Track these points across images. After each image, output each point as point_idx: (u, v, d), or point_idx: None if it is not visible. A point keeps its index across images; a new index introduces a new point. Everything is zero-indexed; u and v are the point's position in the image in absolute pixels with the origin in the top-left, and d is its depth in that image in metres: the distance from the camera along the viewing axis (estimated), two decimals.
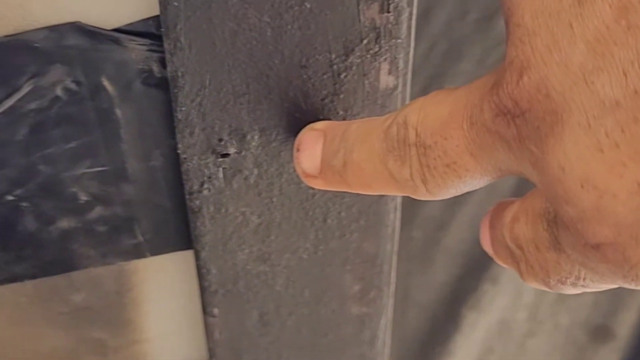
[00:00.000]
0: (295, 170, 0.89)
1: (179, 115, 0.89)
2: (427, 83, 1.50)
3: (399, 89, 0.89)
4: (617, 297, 1.84)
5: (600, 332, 1.88)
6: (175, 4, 0.81)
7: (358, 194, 0.97)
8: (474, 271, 1.80)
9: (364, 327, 1.12)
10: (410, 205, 1.67)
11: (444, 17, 1.43)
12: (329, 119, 0.91)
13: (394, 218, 1.01)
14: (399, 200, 1.00)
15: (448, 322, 1.89)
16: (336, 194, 0.97)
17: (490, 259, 1.62)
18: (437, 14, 1.43)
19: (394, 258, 1.06)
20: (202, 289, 1.05)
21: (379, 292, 1.08)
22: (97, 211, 0.98)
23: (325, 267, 1.04)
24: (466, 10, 1.42)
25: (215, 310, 1.07)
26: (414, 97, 1.48)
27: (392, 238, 1.03)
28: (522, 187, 1.59)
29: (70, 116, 0.90)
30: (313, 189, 0.96)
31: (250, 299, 1.06)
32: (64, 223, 0.98)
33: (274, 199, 0.97)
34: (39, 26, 0.84)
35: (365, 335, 1.13)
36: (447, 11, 1.42)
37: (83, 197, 0.97)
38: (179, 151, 0.92)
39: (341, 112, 0.90)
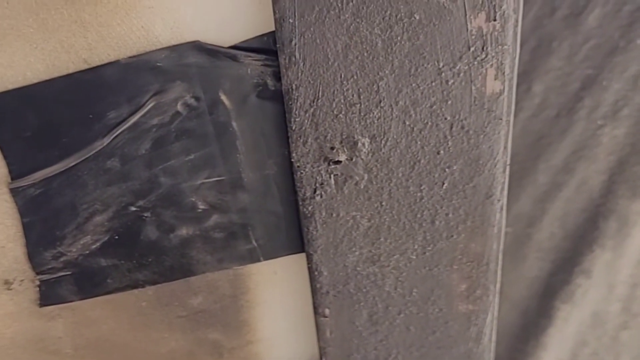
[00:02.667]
0: (402, 175, 0.93)
1: (293, 126, 0.93)
2: (517, 81, 1.51)
3: (505, 93, 0.92)
4: None
5: None
6: (291, 20, 0.85)
7: (465, 196, 1.00)
8: (567, 265, 1.80)
9: (471, 324, 1.14)
10: None
11: (532, 14, 1.43)
12: (437, 125, 0.94)
13: (500, 218, 1.03)
14: (504, 201, 1.02)
15: (541, 316, 1.89)
16: (444, 196, 1.00)
17: (582, 253, 1.63)
18: (526, 11, 1.43)
19: (500, 257, 1.08)
20: (314, 291, 1.08)
21: (485, 290, 1.10)
22: (214, 219, 1.03)
23: (433, 267, 1.07)
24: (555, 7, 1.42)
25: (327, 311, 1.11)
26: None
27: (499, 237, 1.05)
28: (612, 183, 1.59)
29: (189, 130, 0.95)
30: (421, 191, 0.99)
31: (360, 300, 1.10)
32: (183, 231, 1.03)
33: (384, 203, 1.00)
34: (160, 46, 0.89)
35: (472, 332, 1.15)
36: (536, 8, 1.43)
37: (201, 206, 1.01)
38: (292, 160, 0.96)
39: (449, 118, 0.93)
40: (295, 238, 1.06)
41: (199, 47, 0.89)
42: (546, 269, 1.85)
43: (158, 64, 0.88)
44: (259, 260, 1.08)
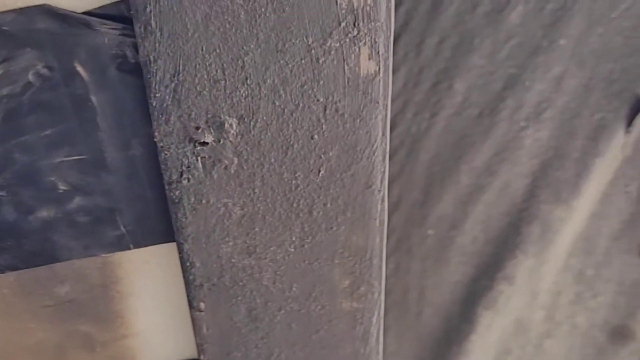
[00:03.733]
0: (275, 160, 0.87)
1: (154, 102, 0.87)
2: (438, 78, 1.46)
3: (381, 75, 0.86)
4: (636, 298, 1.79)
5: (619, 333, 1.83)
6: None
7: (343, 185, 0.94)
8: (489, 271, 1.76)
9: (356, 323, 1.09)
10: (422, 204, 1.64)
11: (453, 9, 1.39)
12: (309, 107, 0.88)
13: (382, 209, 0.97)
14: (385, 192, 0.96)
15: (464, 322, 1.85)
16: (320, 185, 0.94)
17: (504, 259, 1.58)
18: (447, 7, 1.38)
19: (384, 251, 1.02)
20: (187, 283, 1.02)
21: (369, 287, 1.05)
22: (77, 201, 0.96)
23: (313, 261, 1.01)
24: (476, 2, 1.38)
25: (202, 305, 1.04)
26: (425, 92, 1.44)
27: (381, 231, 0.99)
28: (535, 187, 1.55)
29: (44, 103, 0.88)
30: (296, 179, 0.93)
31: (237, 294, 1.04)
32: (44, 213, 0.96)
33: (257, 190, 0.94)
34: (6, 9, 0.82)
35: (358, 331, 1.10)
36: (457, 3, 1.38)
37: (62, 187, 0.95)
38: (155, 139, 0.90)
39: (321, 100, 0.87)
40: (167, 225, 0.99)
41: (48, 11, 0.82)
42: (469, 274, 1.81)
43: (4, 28, 0.82)
44: (128, 248, 1.01)
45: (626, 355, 1.84)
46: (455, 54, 1.48)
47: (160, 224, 1.00)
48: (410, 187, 1.61)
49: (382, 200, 0.96)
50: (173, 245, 1.01)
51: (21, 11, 0.82)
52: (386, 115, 0.89)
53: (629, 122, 1.45)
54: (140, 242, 1.01)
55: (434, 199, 1.61)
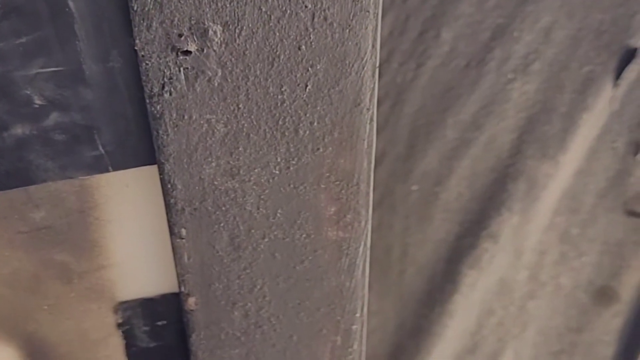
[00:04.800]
0: (260, 72, 0.84)
1: (135, 6, 0.83)
2: (425, 26, 1.44)
3: None
4: (620, 259, 1.77)
5: (603, 294, 1.82)
6: None
7: (331, 102, 0.91)
8: (474, 228, 1.74)
9: (342, 254, 1.06)
10: (407, 159, 1.61)
11: None
12: (297, 14, 0.84)
13: (370, 131, 0.94)
14: (374, 111, 0.93)
15: (447, 281, 1.83)
16: (307, 101, 0.91)
17: (489, 216, 1.56)
18: None
19: (371, 177, 0.99)
20: (168, 207, 0.99)
21: (356, 215, 1.02)
22: (54, 117, 0.93)
23: (299, 185, 0.98)
24: None
25: (183, 231, 1.01)
26: (412, 40, 1.41)
27: (369, 154, 0.96)
28: (521, 142, 1.53)
29: (17, 7, 0.84)
30: (282, 94, 0.90)
31: (219, 219, 1.00)
32: (18, 130, 0.93)
33: (241, 105, 0.91)
34: None
35: (343, 263, 1.07)
36: None
37: (37, 101, 0.91)
38: (136, 48, 0.86)
39: (310, 6, 0.85)
40: (147, 147, 0.96)
41: None
42: (453, 231, 1.79)
43: None
44: (107, 171, 0.98)
45: (609, 317, 1.83)
46: (443, 2, 1.46)
47: (140, 145, 0.96)
48: (394, 141, 1.58)
49: (371, 120, 0.93)
50: (154, 168, 0.98)
51: None
52: (376, 25, 0.86)
53: (617, 75, 1.44)
54: (120, 164, 0.97)
55: (418, 153, 1.59)
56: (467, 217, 1.73)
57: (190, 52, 0.86)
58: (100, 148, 0.95)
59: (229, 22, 0.84)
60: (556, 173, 1.57)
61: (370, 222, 1.03)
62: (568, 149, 1.53)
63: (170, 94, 0.88)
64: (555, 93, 1.49)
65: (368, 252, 1.06)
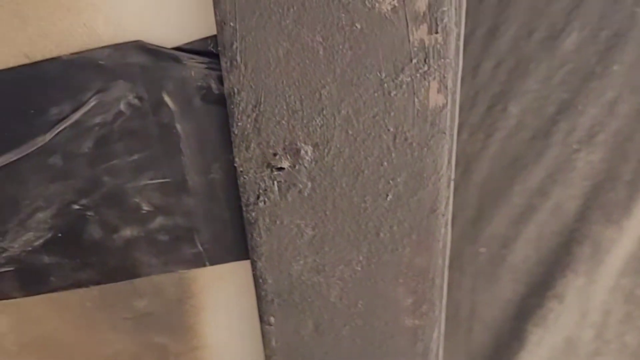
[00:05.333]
0: (346, 185, 0.93)
1: (236, 131, 0.93)
2: (493, 101, 1.51)
3: (448, 107, 0.91)
4: None
5: None
6: (231, 24, 0.85)
7: (410, 209, 0.99)
8: (540, 289, 1.79)
9: (417, 339, 1.14)
10: (475, 222, 1.68)
11: (510, 35, 1.43)
12: (380, 136, 0.93)
13: (445, 233, 1.02)
14: (449, 216, 1.01)
15: (513, 339, 1.88)
16: (388, 208, 1.00)
17: (555, 277, 1.62)
18: (504, 32, 1.43)
19: (446, 272, 1.07)
20: (259, 298, 1.08)
21: (431, 305, 1.10)
22: (159, 221, 1.03)
23: (379, 280, 1.06)
24: (532, 29, 1.42)
25: (272, 319, 1.10)
26: (481, 114, 1.49)
27: (444, 253, 1.05)
28: (586, 208, 1.58)
29: (132, 130, 0.95)
30: (365, 202, 0.99)
31: (305, 309, 1.09)
32: (127, 232, 1.03)
33: (328, 212, 1.00)
34: (103, 44, 0.89)
35: (418, 347, 1.15)
36: (514, 29, 1.42)
37: (145, 208, 1.01)
38: (235, 165, 0.96)
39: (392, 129, 0.93)
40: (241, 244, 1.05)
41: (141, 47, 0.89)
42: (520, 291, 1.85)
43: (100, 62, 0.89)
44: (204, 265, 1.07)
45: None
46: (511, 78, 1.52)
47: (235, 243, 1.06)
48: (463, 206, 1.65)
49: (446, 224, 1.01)
50: (246, 262, 1.07)
51: (116, 47, 0.89)
52: (452, 145, 0.94)
53: None
54: (216, 260, 1.07)
55: (486, 217, 1.65)
56: (533, 278, 1.79)
57: (283, 168, 0.95)
58: (199, 246, 1.05)
59: (319, 143, 0.93)
60: (620, 237, 1.61)
61: (444, 311, 1.11)
62: (632, 214, 1.58)
63: (265, 203, 0.98)
64: (620, 162, 1.54)
65: (442, 337, 1.14)
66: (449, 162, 0.96)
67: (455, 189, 1.56)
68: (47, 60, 0.88)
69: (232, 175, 0.99)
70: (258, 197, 0.97)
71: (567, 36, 1.43)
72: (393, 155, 0.95)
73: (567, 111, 1.50)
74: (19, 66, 0.88)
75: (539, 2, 1.46)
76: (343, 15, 0.84)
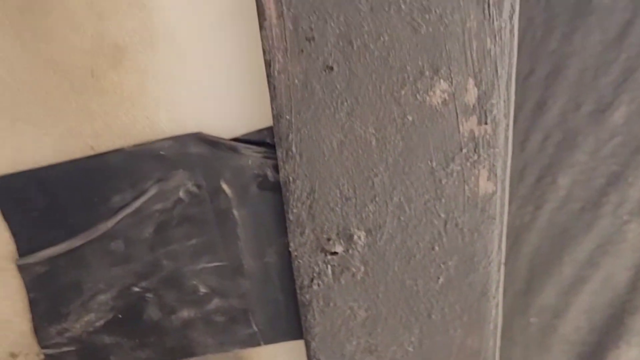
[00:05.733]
0: (398, 268, 0.95)
1: (291, 217, 0.96)
2: (541, 173, 1.52)
3: (498, 193, 0.94)
4: None
5: None
6: (287, 117, 0.88)
7: (461, 292, 1.01)
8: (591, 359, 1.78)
9: None
10: (526, 293, 1.68)
11: (558, 109, 1.45)
12: (431, 222, 0.96)
13: (496, 315, 1.04)
14: (500, 298, 1.03)
15: None
16: (440, 291, 1.02)
17: (607, 348, 1.61)
18: (551, 106, 1.45)
19: (497, 353, 1.08)
20: None
21: None
22: (215, 303, 1.06)
23: None
24: (580, 102, 1.44)
25: None
26: (529, 186, 1.50)
27: (495, 334, 1.06)
28: (638, 279, 1.58)
29: (191, 216, 0.98)
30: (417, 285, 1.01)
31: None
32: (185, 313, 1.06)
33: (380, 295, 1.02)
34: (164, 136, 0.93)
35: None
36: (561, 103, 1.44)
37: (202, 290, 1.04)
38: (290, 249, 0.99)
39: (443, 216, 0.95)
40: (295, 324, 1.08)
41: (201, 138, 0.93)
42: None
43: (161, 153, 0.92)
44: (259, 345, 1.10)
45: None
46: (559, 151, 1.53)
47: (289, 323, 1.08)
48: (513, 277, 1.65)
49: (497, 306, 1.03)
50: (300, 342, 1.10)
51: (177, 138, 0.92)
52: (502, 230, 0.96)
53: None
54: (270, 339, 1.10)
55: (537, 288, 1.65)
56: (585, 349, 1.78)
57: (337, 253, 0.98)
58: (254, 326, 1.08)
59: (371, 229, 0.96)
60: None
61: None
62: None
63: (319, 286, 1.00)
64: None
65: None
66: (499, 246, 0.98)
67: (506, 259, 1.58)
68: (111, 151, 0.92)
69: (286, 258, 1.01)
70: (312, 280, 1.00)
71: (615, 109, 1.44)
72: (444, 240, 0.97)
73: (617, 183, 1.51)
74: (85, 157, 0.92)
75: (587, 76, 1.48)
76: (395, 108, 0.87)
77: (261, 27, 0.83)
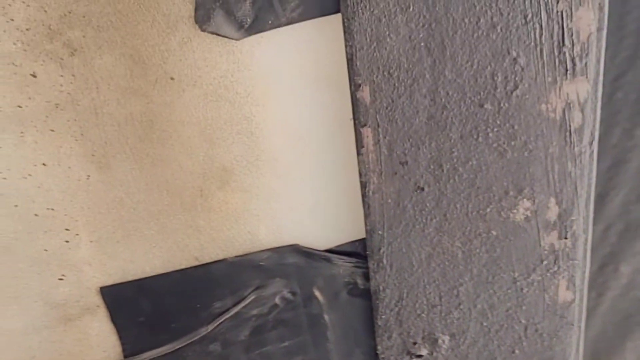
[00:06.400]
0: None
1: (379, 322, 1.02)
2: (604, 261, 1.56)
3: (576, 302, 0.99)
4: None
5: None
6: (380, 232, 0.95)
7: None
8: None
9: None
10: None
11: (620, 199, 1.49)
12: (512, 327, 1.01)
13: None
14: None
15: None
16: None
17: None
18: (613, 198, 1.50)
19: None
20: None
21: None
22: None
23: None
24: None
25: None
26: (592, 273, 1.54)
27: None
28: None
29: (285, 320, 1.05)
30: None
31: None
32: None
33: None
34: (263, 248, 1.00)
35: None
36: (623, 194, 1.49)
37: None
38: (378, 352, 1.05)
39: (523, 322, 1.01)
40: None
41: (297, 249, 0.99)
42: None
43: (260, 263, 0.99)
44: None
45: None
46: (621, 240, 1.57)
47: None
48: None
49: None
50: None
51: (275, 250, 0.99)
52: (580, 335, 1.01)
53: None
54: None
55: None
56: None
57: (422, 356, 1.03)
58: None
59: (455, 334, 1.01)
60: None
61: None
62: None
63: None
64: None
65: None
66: (577, 350, 1.03)
67: None
68: (214, 262, 0.99)
69: (373, 359, 1.07)
70: None
71: None
72: (524, 344, 1.02)
73: None
74: (190, 267, 1.00)
75: None
76: (481, 224, 0.94)
77: (358, 152, 0.91)
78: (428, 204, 0.94)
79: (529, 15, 0.83)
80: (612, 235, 1.56)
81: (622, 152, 1.46)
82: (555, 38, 0.84)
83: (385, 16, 0.84)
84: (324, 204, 0.98)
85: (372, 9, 0.83)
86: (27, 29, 0.82)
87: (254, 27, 0.86)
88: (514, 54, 0.85)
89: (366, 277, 1.00)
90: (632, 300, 1.58)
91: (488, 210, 0.94)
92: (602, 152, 1.47)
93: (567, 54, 0.85)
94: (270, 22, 0.86)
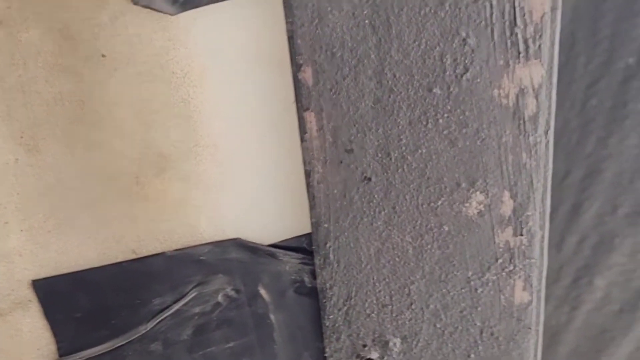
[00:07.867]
0: None
1: (327, 323, 0.97)
2: (578, 274, 1.52)
3: (534, 304, 0.94)
4: None
5: None
6: (326, 225, 0.90)
7: None
8: None
9: None
10: None
11: (594, 211, 1.45)
12: (467, 330, 0.96)
13: None
14: None
15: None
16: None
17: None
18: (587, 209, 1.45)
19: None
20: None
21: None
22: None
23: None
24: (617, 204, 1.44)
25: None
26: (566, 287, 1.49)
27: None
28: None
29: (229, 320, 0.99)
30: None
31: None
32: None
33: None
34: (204, 241, 0.95)
35: None
36: (598, 205, 1.45)
37: None
38: (326, 354, 0.99)
39: (479, 324, 0.96)
40: None
41: (240, 244, 0.94)
42: None
43: (201, 258, 0.94)
44: None
45: None
46: (596, 253, 1.53)
47: None
48: None
49: None
50: None
51: (217, 244, 0.94)
52: (537, 339, 0.96)
53: None
54: None
55: None
56: None
57: (372, 359, 0.98)
58: None
59: (407, 336, 0.96)
60: None
61: None
62: None
63: None
64: None
65: None
66: (535, 355, 0.98)
67: (542, 359, 1.56)
68: (152, 255, 0.94)
69: None
70: None
71: None
72: (480, 348, 0.97)
73: None
74: (127, 261, 0.94)
75: (623, 179, 1.48)
76: (432, 218, 0.89)
77: (302, 139, 0.86)
78: (376, 195, 0.89)
79: None
80: (587, 247, 1.52)
81: (596, 162, 1.42)
82: (506, 17, 0.80)
83: None
84: (268, 194, 0.93)
85: None
86: None
87: (190, 2, 0.82)
88: (464, 34, 0.80)
89: (314, 274, 0.95)
90: (607, 315, 1.54)
91: (439, 203, 0.89)
92: (575, 162, 1.42)
93: (519, 35, 0.80)
94: None
